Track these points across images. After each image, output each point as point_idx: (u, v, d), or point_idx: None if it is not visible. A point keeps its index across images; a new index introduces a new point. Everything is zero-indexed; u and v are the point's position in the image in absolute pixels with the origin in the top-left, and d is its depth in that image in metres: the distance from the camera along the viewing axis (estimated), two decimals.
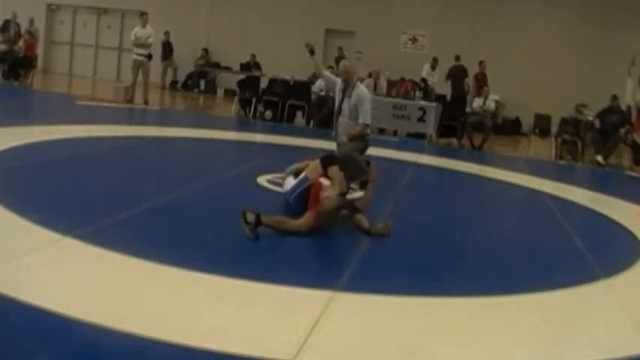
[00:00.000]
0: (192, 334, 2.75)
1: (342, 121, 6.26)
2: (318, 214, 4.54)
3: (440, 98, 13.70)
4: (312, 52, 6.44)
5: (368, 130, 6.24)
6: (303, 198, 4.76)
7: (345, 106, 6.21)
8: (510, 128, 15.50)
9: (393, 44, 16.67)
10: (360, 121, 6.11)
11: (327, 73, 6.83)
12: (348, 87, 6.21)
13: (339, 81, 6.36)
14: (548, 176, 9.19)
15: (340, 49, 16.21)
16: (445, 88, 14.33)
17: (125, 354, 2.59)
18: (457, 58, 14.39)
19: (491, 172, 9.30)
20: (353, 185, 5.43)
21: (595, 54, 14.97)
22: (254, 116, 12.95)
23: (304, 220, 4.51)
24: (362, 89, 6.29)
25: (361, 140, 6.17)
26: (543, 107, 13.95)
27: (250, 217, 4.30)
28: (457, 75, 14.14)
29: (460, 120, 12.52)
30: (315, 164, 4.92)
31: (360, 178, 5.65)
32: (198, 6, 18.17)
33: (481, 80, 14.23)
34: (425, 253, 4.66)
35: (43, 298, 2.90)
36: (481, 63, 14.52)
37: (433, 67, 14.75)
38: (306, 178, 4.88)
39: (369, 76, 13.62)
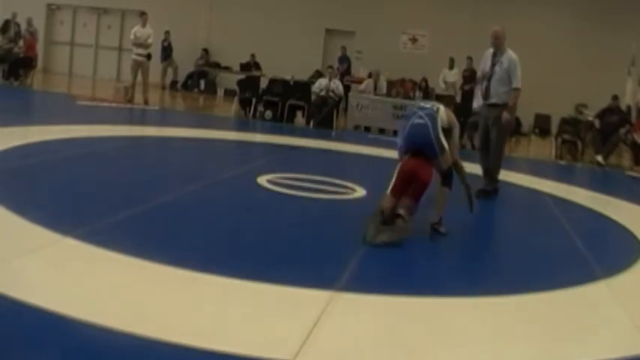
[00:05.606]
0: (192, 334, 2.75)
1: (493, 85, 6.66)
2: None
3: (440, 98, 13.69)
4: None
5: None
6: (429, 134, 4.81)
7: (497, 70, 6.58)
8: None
9: (393, 44, 16.67)
10: (513, 85, 6.54)
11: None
12: (497, 52, 6.60)
13: (488, 53, 6.73)
14: (548, 176, 9.18)
15: (344, 48, 16.35)
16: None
17: (125, 354, 2.59)
18: (471, 59, 14.38)
19: None
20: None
21: (595, 54, 14.95)
22: (254, 116, 12.93)
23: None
24: (512, 54, 6.67)
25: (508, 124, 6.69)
26: (543, 107, 13.94)
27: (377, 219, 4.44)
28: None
29: (460, 120, 12.50)
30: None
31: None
32: (198, 6, 18.17)
33: None
34: (425, 253, 4.65)
35: (43, 298, 2.89)
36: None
37: (451, 67, 14.72)
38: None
39: (369, 76, 13.62)
